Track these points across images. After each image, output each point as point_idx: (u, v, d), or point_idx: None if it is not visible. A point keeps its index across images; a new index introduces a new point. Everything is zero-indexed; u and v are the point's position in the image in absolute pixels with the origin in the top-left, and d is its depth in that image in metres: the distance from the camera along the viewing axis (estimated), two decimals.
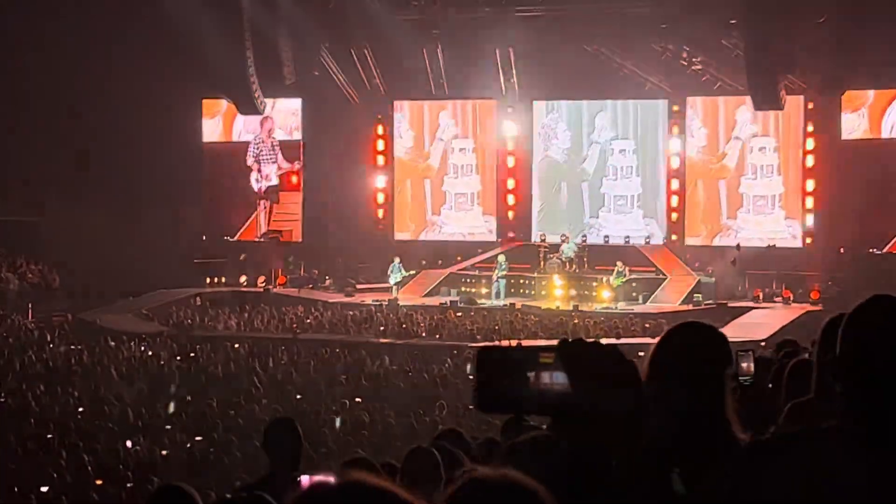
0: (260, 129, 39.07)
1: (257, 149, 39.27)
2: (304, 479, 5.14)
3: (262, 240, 38.62)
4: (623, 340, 24.20)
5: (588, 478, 2.23)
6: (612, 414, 2.18)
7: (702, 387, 3.14)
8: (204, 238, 38.63)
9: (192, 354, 25.48)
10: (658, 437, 2.47)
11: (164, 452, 15.82)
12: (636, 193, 36.71)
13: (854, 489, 2.49)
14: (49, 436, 16.41)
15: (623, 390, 2.21)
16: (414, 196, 38.79)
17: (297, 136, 39.15)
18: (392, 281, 33.95)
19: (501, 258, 34.08)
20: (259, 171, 39.33)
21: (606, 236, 35.78)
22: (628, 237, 35.75)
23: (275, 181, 39.26)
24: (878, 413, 2.58)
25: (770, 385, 6.16)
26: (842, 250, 32.38)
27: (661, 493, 2.20)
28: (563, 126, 37.37)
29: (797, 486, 2.54)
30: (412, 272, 35.08)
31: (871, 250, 32.62)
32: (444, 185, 38.44)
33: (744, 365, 4.37)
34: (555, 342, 2.30)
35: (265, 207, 39.24)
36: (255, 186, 39.29)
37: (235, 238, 38.90)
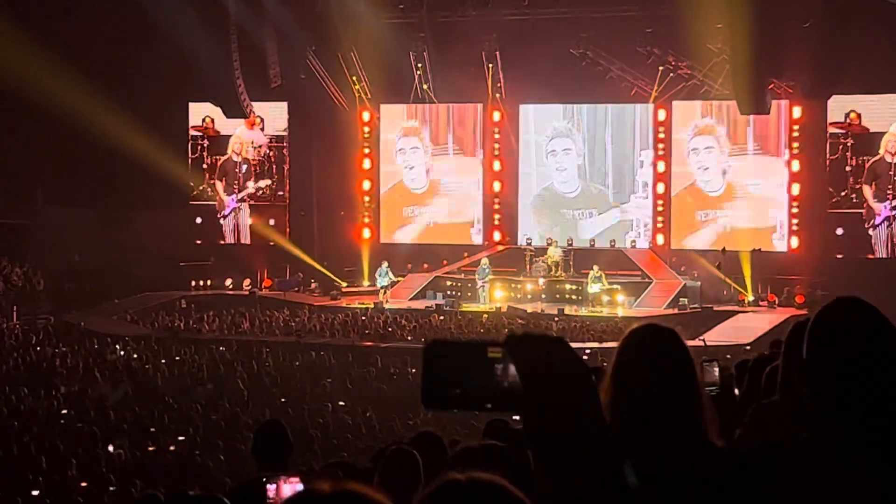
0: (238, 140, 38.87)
1: (235, 155, 39.03)
2: (271, 487, 5.11)
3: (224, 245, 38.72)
4: (606, 345, 24.21)
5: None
6: (563, 404, 2.17)
7: (667, 389, 3.11)
8: (198, 242, 38.57)
9: (177, 357, 25.41)
10: (618, 431, 2.45)
11: (150, 448, 15.82)
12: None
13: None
14: (33, 438, 16.35)
15: (573, 380, 2.19)
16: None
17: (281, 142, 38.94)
18: (379, 284, 33.89)
19: (484, 262, 33.98)
20: (232, 182, 39.14)
21: (592, 240, 35.65)
22: (614, 240, 35.62)
23: (251, 189, 39.05)
24: (846, 422, 2.57)
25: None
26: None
27: (614, 483, 2.19)
28: (577, 134, 36.29)
29: (767, 500, 2.53)
30: (400, 277, 35.08)
31: (838, 255, 32.88)
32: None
33: (709, 375, 4.29)
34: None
35: (235, 214, 39.03)
36: (227, 200, 39.08)
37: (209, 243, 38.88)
